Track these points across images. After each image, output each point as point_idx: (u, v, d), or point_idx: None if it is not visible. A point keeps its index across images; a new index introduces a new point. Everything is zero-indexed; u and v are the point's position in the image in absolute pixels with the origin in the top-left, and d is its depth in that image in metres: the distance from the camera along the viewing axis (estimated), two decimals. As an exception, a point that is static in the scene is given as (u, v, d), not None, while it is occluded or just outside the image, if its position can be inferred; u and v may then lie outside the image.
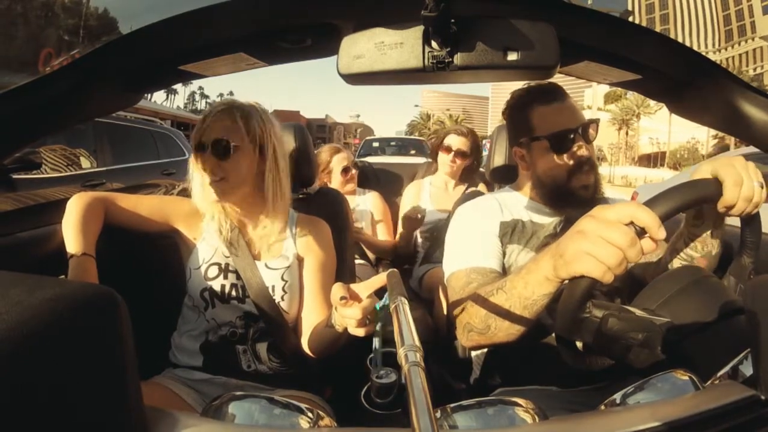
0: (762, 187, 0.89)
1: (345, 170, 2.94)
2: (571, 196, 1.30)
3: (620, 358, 0.83)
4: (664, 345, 0.80)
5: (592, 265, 0.74)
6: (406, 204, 3.00)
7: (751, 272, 0.98)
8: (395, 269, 0.83)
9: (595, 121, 1.32)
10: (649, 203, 0.79)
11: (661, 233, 0.72)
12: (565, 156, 1.29)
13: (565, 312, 0.81)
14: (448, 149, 2.89)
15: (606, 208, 0.76)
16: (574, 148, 1.28)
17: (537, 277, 0.89)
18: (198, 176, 1.33)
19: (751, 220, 0.94)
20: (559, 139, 1.29)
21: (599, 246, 0.73)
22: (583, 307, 0.81)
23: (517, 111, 1.42)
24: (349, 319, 0.94)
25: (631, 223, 0.73)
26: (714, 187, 0.89)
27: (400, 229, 2.91)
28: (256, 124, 1.33)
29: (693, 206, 0.92)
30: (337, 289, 0.92)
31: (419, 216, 2.61)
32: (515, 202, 1.42)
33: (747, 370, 0.67)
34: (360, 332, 0.95)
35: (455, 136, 2.91)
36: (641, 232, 0.73)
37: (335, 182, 2.95)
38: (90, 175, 4.64)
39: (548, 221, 1.36)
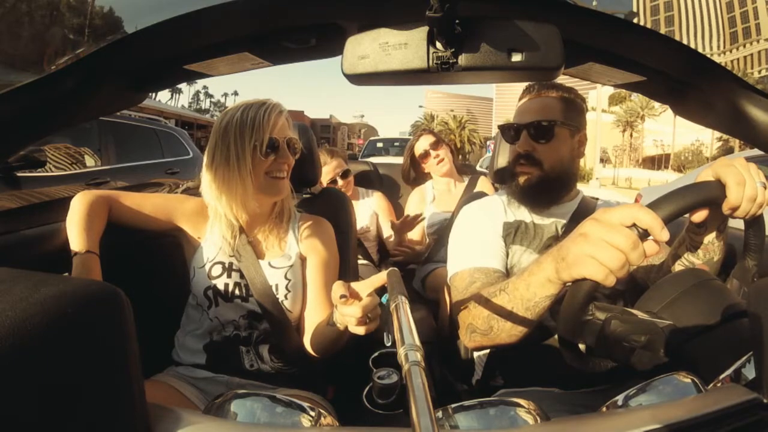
0: (765, 188, 0.88)
1: (332, 182, 2.85)
2: (515, 184, 1.38)
3: (623, 360, 0.83)
4: (666, 347, 0.80)
5: (595, 268, 0.74)
6: (410, 210, 2.99)
7: (754, 275, 0.98)
8: (395, 268, 0.83)
9: (551, 123, 1.33)
10: (652, 206, 0.78)
11: (665, 235, 0.72)
12: (511, 147, 1.40)
13: (567, 314, 0.81)
14: (426, 154, 2.94)
15: (609, 210, 0.76)
16: (517, 143, 1.36)
17: (539, 279, 0.89)
18: (234, 174, 1.29)
19: (754, 222, 0.94)
20: (506, 130, 1.40)
21: (601, 249, 0.73)
22: (586, 310, 0.81)
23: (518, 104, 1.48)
24: (349, 317, 0.94)
25: (634, 225, 0.73)
26: (717, 189, 0.89)
27: (408, 236, 2.91)
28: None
29: (696, 208, 0.91)
30: (338, 288, 0.92)
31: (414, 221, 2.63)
32: (518, 203, 1.42)
33: (750, 373, 0.67)
34: (360, 330, 0.96)
35: (419, 141, 2.99)
36: (644, 235, 0.72)
37: None
38: (94, 173, 4.66)
39: (549, 222, 1.37)
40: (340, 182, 2.86)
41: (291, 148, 1.37)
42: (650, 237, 0.73)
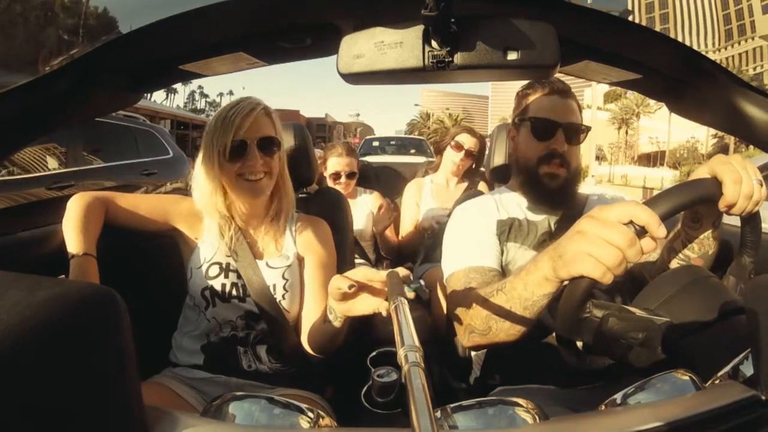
0: (761, 185, 0.89)
1: (336, 175, 2.86)
2: (538, 182, 1.36)
3: (620, 357, 0.83)
4: (664, 344, 0.80)
5: (592, 266, 0.74)
6: (407, 202, 2.99)
7: (751, 272, 0.98)
8: (395, 270, 0.83)
9: (585, 128, 1.37)
10: (649, 203, 0.79)
11: (661, 231, 0.72)
12: (541, 143, 1.35)
13: (565, 312, 0.81)
14: (460, 147, 2.89)
15: (605, 208, 0.76)
16: (551, 140, 1.33)
17: (536, 278, 0.89)
18: (212, 178, 1.31)
19: (750, 219, 0.94)
20: (540, 125, 1.36)
21: (598, 246, 0.73)
22: (584, 307, 0.81)
23: (523, 94, 1.48)
24: (374, 307, 0.93)
25: (631, 222, 0.73)
26: (713, 186, 0.89)
27: (403, 226, 2.91)
28: (279, 124, 1.38)
29: (693, 205, 0.91)
30: (342, 281, 0.91)
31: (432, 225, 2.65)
32: (511, 201, 1.43)
33: (747, 370, 0.67)
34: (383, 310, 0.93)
35: (469, 135, 2.92)
36: (641, 232, 0.72)
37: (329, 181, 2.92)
38: (57, 176, 4.29)
39: (542, 218, 1.37)
40: (344, 180, 2.86)
41: (265, 147, 1.32)
42: (647, 234, 0.73)
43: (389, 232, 2.86)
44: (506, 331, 1.01)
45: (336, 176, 2.85)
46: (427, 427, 0.40)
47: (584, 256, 0.75)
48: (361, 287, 0.93)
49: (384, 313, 0.90)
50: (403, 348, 0.53)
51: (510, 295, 0.97)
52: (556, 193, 1.34)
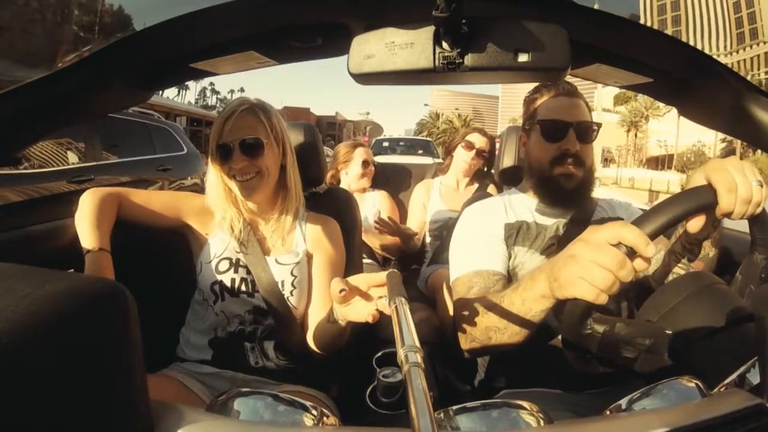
0: (761, 186, 0.86)
1: (365, 163, 2.99)
2: (553, 184, 1.34)
3: (627, 364, 0.83)
4: (670, 351, 0.80)
5: (585, 289, 0.75)
6: (414, 202, 2.98)
7: (763, 270, 0.96)
8: (396, 270, 0.83)
9: (596, 124, 1.36)
10: (638, 221, 0.78)
11: (650, 251, 0.72)
12: (552, 145, 1.34)
13: (567, 327, 0.81)
14: (470, 146, 2.87)
15: (595, 230, 0.77)
16: (563, 140, 1.32)
17: (533, 295, 0.91)
18: (215, 177, 1.36)
19: (756, 219, 0.92)
20: (550, 126, 1.35)
21: (590, 270, 0.74)
22: (584, 325, 0.81)
23: (530, 99, 1.47)
24: (365, 316, 0.93)
25: (620, 243, 0.73)
26: (707, 195, 0.86)
27: (409, 224, 2.90)
28: (275, 121, 1.38)
29: (687, 218, 0.89)
30: (336, 284, 0.91)
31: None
32: (520, 204, 1.42)
33: (754, 378, 0.67)
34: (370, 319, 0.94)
35: (479, 135, 2.91)
36: (631, 252, 0.72)
37: (352, 173, 2.98)
38: (77, 170, 4.37)
39: (551, 222, 1.37)
40: (371, 168, 3.05)
41: (248, 149, 1.32)
42: (637, 254, 0.73)
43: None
44: (506, 342, 1.03)
45: (366, 164, 3.00)
46: (427, 427, 0.40)
47: (577, 280, 0.76)
48: (359, 294, 0.93)
49: (371, 321, 0.91)
50: (404, 348, 0.53)
51: (508, 309, 0.98)
52: (572, 194, 1.34)
